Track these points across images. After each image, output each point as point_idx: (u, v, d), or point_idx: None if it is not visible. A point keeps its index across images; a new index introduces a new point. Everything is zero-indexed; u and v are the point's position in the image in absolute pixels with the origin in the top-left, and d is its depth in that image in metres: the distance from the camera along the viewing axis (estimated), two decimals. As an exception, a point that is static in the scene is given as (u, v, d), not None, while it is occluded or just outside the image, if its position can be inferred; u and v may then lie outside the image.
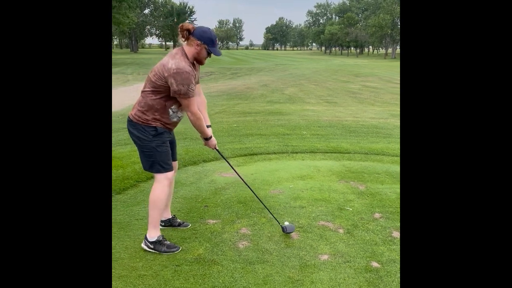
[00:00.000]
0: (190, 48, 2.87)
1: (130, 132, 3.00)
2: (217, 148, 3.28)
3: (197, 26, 2.91)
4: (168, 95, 2.86)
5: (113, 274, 2.71)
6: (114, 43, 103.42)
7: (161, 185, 3.01)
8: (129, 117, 2.99)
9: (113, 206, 3.86)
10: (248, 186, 3.56)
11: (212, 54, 2.94)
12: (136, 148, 3.09)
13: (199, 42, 2.83)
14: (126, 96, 15.96)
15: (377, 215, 3.76)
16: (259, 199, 3.56)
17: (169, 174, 3.03)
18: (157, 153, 2.94)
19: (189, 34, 2.84)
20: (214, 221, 3.56)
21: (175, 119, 3.01)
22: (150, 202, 3.03)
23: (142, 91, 2.93)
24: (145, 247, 3.02)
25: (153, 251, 2.99)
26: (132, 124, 2.95)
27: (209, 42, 2.86)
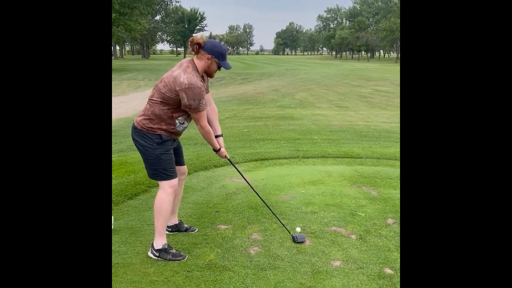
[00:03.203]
0: (200, 61, 2.88)
1: (134, 140, 3.00)
2: (228, 157, 3.29)
3: (207, 40, 2.92)
4: (176, 107, 2.87)
5: (124, 279, 2.71)
6: (126, 49, 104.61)
7: (165, 192, 3.00)
8: (134, 124, 3.00)
9: (125, 212, 3.88)
10: (258, 195, 3.55)
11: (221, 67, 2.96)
12: None
13: (209, 56, 2.85)
14: (138, 102, 16.10)
15: (390, 220, 3.71)
16: (269, 208, 3.54)
17: (173, 181, 3.02)
18: (161, 161, 2.94)
19: (200, 48, 2.85)
20: (225, 227, 3.55)
21: (180, 129, 3.02)
22: (154, 210, 3.04)
23: (150, 100, 2.94)
24: (151, 255, 3.02)
25: (159, 259, 2.99)
26: (137, 132, 2.96)
27: (220, 56, 2.88)
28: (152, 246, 3.04)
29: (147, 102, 2.97)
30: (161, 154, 2.93)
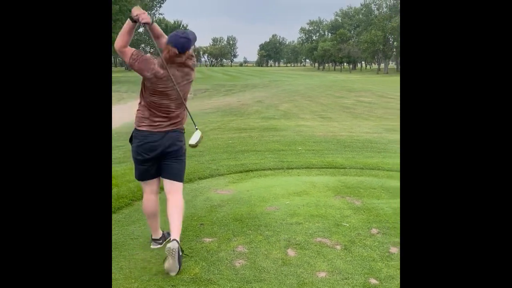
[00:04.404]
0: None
1: (175, 142, 3.23)
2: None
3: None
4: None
5: (107, 296, 2.65)
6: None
7: (182, 195, 3.36)
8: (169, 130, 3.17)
9: (107, 226, 3.81)
10: None
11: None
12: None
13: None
14: (123, 114, 15.93)
15: (374, 230, 3.73)
16: None
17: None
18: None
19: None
20: (210, 240, 3.52)
21: None
22: (180, 212, 3.18)
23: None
24: (175, 247, 2.91)
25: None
26: (177, 132, 3.21)
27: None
28: (176, 241, 2.95)
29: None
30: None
